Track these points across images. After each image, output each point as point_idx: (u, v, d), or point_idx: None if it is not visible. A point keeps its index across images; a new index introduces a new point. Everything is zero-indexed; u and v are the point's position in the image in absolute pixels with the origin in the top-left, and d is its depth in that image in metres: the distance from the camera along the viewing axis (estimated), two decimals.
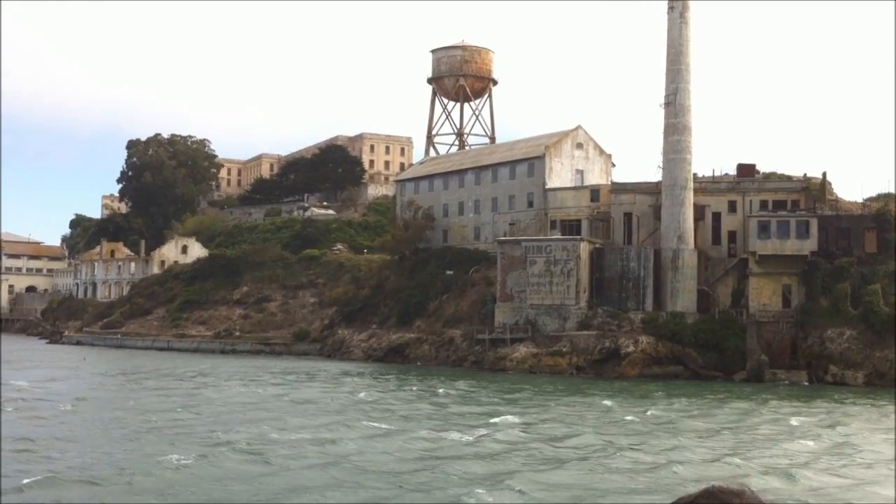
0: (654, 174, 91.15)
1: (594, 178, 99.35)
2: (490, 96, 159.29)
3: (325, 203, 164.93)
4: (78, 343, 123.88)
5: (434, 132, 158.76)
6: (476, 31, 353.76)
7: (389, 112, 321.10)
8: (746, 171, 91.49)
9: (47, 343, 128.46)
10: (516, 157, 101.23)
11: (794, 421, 47.79)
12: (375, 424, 42.41)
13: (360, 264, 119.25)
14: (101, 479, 29.10)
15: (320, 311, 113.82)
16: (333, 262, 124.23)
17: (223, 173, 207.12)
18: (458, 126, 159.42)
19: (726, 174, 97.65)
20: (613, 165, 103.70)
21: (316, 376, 73.85)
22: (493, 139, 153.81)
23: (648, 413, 49.87)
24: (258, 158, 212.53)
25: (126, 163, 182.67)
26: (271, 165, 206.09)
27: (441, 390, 61.19)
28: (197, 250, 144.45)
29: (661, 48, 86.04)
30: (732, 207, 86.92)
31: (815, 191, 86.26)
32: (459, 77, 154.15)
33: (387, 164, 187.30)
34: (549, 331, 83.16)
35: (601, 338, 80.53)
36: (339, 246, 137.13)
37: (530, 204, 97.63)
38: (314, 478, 29.99)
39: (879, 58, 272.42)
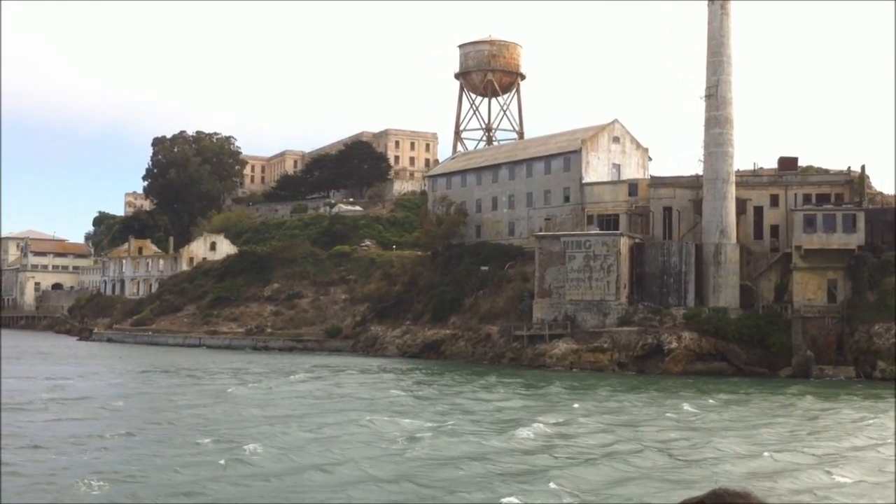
0: (688, 168, 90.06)
1: (631, 172, 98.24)
2: (518, 91, 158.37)
3: (350, 199, 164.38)
4: (109, 340, 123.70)
5: (462, 127, 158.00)
6: (504, 26, 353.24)
7: (413, 108, 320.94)
8: (788, 164, 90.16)
9: (78, 340, 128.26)
10: (551, 152, 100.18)
11: None
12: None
13: (391, 260, 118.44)
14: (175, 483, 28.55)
15: (352, 307, 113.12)
16: (364, 258, 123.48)
17: (247, 170, 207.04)
18: (486, 121, 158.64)
19: (760, 168, 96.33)
20: (650, 159, 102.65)
21: (367, 370, 73.88)
22: (521, 134, 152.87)
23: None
24: (282, 155, 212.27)
25: (151, 160, 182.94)
26: (295, 162, 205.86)
27: (501, 390, 59.05)
28: (226, 247, 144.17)
29: (694, 41, 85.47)
30: (775, 201, 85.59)
31: (856, 184, 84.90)
32: (487, 72, 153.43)
33: (412, 160, 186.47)
34: (589, 327, 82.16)
35: (643, 334, 79.52)
36: (368, 242, 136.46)
37: (566, 199, 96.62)
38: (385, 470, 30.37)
39: None
